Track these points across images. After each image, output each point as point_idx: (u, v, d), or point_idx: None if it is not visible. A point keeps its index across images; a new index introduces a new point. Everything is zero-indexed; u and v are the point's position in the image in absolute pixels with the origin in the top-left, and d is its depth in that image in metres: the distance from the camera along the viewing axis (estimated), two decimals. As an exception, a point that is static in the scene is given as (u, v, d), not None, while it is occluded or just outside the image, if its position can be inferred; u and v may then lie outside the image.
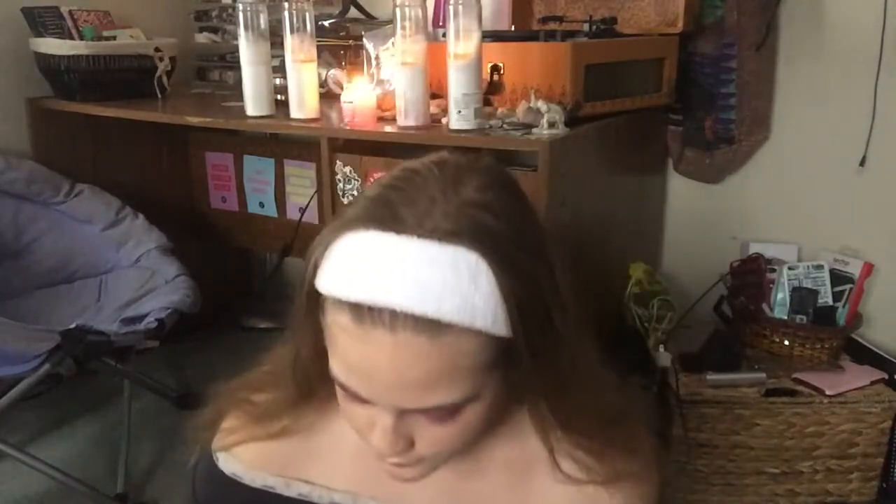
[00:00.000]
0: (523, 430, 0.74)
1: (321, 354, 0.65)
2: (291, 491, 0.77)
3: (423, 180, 0.63)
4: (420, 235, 0.58)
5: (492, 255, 0.58)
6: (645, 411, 0.82)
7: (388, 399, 0.61)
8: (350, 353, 0.60)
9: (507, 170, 0.69)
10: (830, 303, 1.80)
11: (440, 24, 1.84)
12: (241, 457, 0.78)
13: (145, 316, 1.83)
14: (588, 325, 0.69)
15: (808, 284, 1.80)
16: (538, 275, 0.62)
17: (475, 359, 0.59)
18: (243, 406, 0.78)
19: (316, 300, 0.63)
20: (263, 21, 1.75)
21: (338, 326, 0.60)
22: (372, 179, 1.65)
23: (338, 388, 0.65)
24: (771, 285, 1.84)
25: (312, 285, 0.62)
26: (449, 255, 0.57)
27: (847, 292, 1.81)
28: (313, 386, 0.72)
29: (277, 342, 0.79)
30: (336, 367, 0.62)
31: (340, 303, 0.59)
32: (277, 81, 1.85)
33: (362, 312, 0.58)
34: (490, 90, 1.62)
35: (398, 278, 0.57)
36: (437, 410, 0.62)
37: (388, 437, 0.63)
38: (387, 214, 0.60)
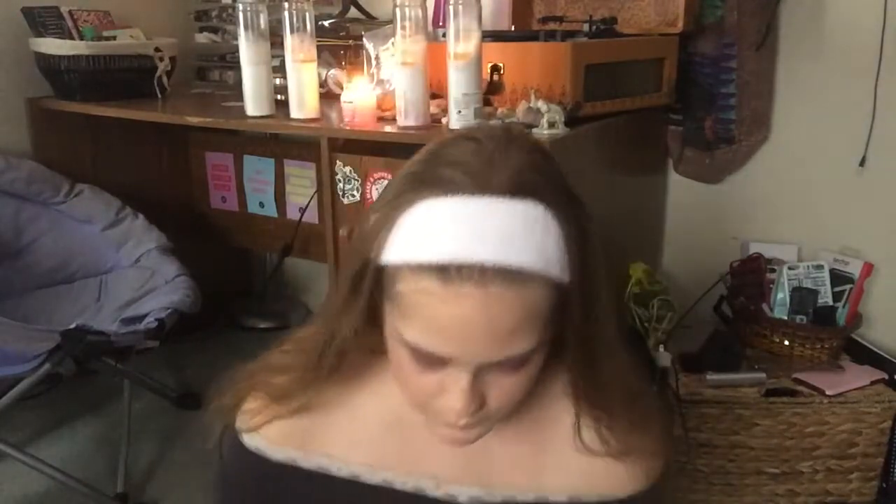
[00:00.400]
0: (544, 395, 0.76)
1: (361, 331, 0.68)
2: (311, 463, 0.78)
3: (469, 148, 0.65)
4: (491, 193, 0.61)
5: (553, 208, 0.62)
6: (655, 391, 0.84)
7: (474, 354, 0.62)
8: (437, 314, 0.61)
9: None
10: (830, 303, 1.80)
11: (440, 24, 1.84)
12: (264, 434, 0.79)
13: (145, 316, 1.83)
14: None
15: (808, 284, 1.80)
16: (584, 229, 0.67)
17: (546, 305, 0.63)
18: (263, 387, 0.79)
19: (377, 277, 0.64)
20: (263, 21, 1.75)
21: (420, 292, 0.61)
22: (372, 179, 1.65)
23: (404, 359, 0.66)
24: (771, 285, 1.84)
25: (376, 262, 0.64)
26: (520, 209, 0.61)
27: (847, 292, 1.81)
28: (343, 363, 0.74)
29: (297, 329, 0.81)
30: (415, 334, 0.63)
31: (422, 268, 0.60)
32: (277, 81, 1.85)
33: (449, 272, 0.59)
34: (490, 90, 1.62)
35: (482, 234, 0.59)
36: (512, 361, 0.64)
37: (466, 396, 0.64)
38: (449, 180, 0.62)
